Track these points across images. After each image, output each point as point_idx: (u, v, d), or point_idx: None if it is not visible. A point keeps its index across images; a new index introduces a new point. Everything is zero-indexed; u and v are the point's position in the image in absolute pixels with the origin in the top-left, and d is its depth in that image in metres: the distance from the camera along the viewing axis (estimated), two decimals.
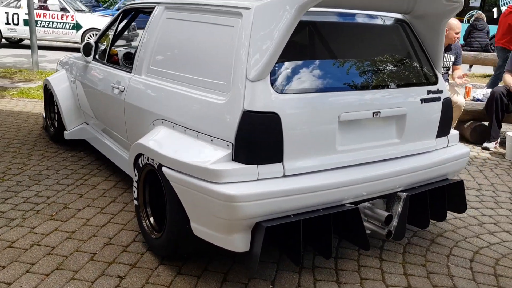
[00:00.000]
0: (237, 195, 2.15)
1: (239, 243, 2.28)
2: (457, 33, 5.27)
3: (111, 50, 4.17)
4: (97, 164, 4.22)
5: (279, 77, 2.34)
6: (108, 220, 3.14)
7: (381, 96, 2.64)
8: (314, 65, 2.50)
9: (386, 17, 2.91)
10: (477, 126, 5.64)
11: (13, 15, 12.93)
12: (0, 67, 9.55)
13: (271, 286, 2.51)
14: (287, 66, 2.40)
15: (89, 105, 4.11)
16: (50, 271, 2.53)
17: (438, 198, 2.96)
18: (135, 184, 2.87)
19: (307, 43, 2.59)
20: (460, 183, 3.00)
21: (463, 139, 5.67)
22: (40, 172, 3.95)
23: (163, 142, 2.62)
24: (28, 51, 9.42)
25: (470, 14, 16.42)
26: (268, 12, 2.29)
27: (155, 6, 3.24)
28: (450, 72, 5.58)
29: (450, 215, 3.50)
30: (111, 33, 4.34)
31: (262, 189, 2.22)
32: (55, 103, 4.63)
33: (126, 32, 4.16)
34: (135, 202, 2.88)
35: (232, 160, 2.29)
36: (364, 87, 2.60)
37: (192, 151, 2.42)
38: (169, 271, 2.58)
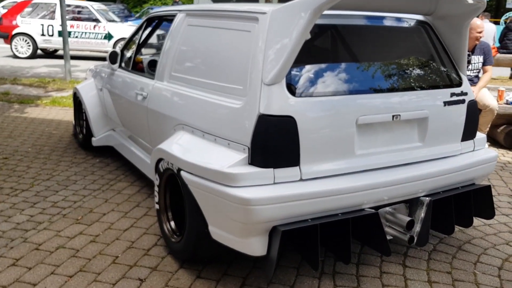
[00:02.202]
0: (253, 199, 2.15)
1: (256, 246, 2.27)
2: (479, 32, 5.11)
3: (136, 58, 4.27)
4: (123, 170, 4.30)
5: (295, 81, 2.34)
6: (131, 224, 3.19)
7: (401, 99, 2.60)
8: (331, 68, 2.48)
9: (407, 19, 2.87)
10: (511, 131, 5.46)
11: (48, 27, 13.39)
12: (34, 77, 9.88)
13: None
14: (303, 70, 2.39)
15: (115, 112, 4.20)
16: (73, 273, 2.59)
17: (464, 204, 2.87)
18: (156, 188, 2.91)
19: (324, 46, 2.58)
20: (487, 188, 2.90)
21: (496, 144, 5.50)
22: (68, 178, 4.05)
23: (182, 147, 2.65)
24: (62, 61, 9.72)
25: (506, 16, 15.99)
26: (284, 16, 2.29)
27: (177, 14, 3.30)
28: (481, 74, 5.42)
29: (479, 221, 3.39)
30: (137, 41, 4.43)
31: (278, 193, 2.21)
32: (83, 111, 4.76)
33: (152, 40, 4.23)
34: (156, 206, 2.92)
35: (249, 164, 2.29)
36: (383, 90, 2.56)
37: (209, 155, 2.43)
38: (188, 275, 2.60)
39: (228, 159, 2.31)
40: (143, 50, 4.27)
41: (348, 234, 2.37)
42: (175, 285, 2.50)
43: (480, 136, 3.06)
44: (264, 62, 2.30)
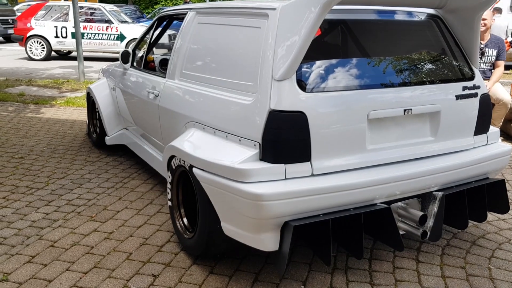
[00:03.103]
0: (264, 194, 2.16)
1: (268, 242, 2.28)
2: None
3: (148, 57, 4.31)
4: (136, 168, 4.34)
5: (306, 76, 2.34)
6: (145, 221, 3.22)
7: (413, 93, 2.58)
8: (341, 63, 2.48)
9: (418, 13, 2.85)
10: None
11: (61, 29, 13.55)
12: (49, 78, 10.01)
13: (302, 287, 2.49)
14: (314, 65, 2.39)
15: (128, 110, 4.24)
16: (88, 269, 2.63)
17: (477, 198, 2.85)
18: (168, 185, 2.94)
19: (334, 41, 2.58)
20: (501, 182, 2.87)
21: (509, 138, 5.43)
22: (82, 176, 4.11)
23: (194, 144, 2.67)
24: (76, 63, 9.82)
25: None
26: (293, 12, 2.29)
27: (187, 12, 3.32)
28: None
29: (493, 216, 3.36)
30: (148, 41, 4.47)
31: (290, 188, 2.22)
32: (96, 110, 4.81)
33: (163, 39, 4.28)
34: (169, 203, 2.95)
35: (260, 159, 2.30)
36: (394, 84, 2.55)
37: (220, 152, 2.45)
38: (201, 271, 2.62)
39: (240, 155, 2.32)
40: (155, 49, 4.30)
41: (360, 229, 2.36)
42: (189, 280, 2.53)
43: (493, 130, 3.03)
44: (274, 58, 2.31)
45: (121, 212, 3.38)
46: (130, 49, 4.26)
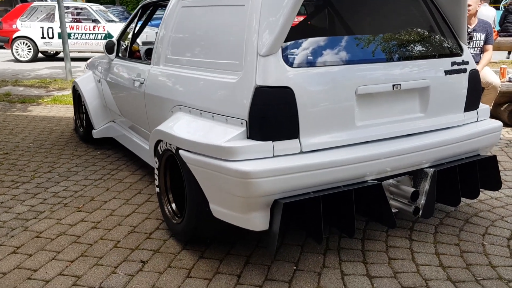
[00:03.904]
0: (252, 171, 2.11)
1: (257, 221, 2.23)
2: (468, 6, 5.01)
3: (133, 47, 4.23)
4: (124, 160, 4.27)
5: (292, 51, 2.29)
6: (133, 210, 3.16)
7: (401, 68, 2.54)
8: (329, 38, 2.43)
9: None
10: None
11: (48, 29, 13.40)
12: (36, 79, 9.89)
13: (294, 268, 2.45)
14: (300, 40, 2.34)
15: (114, 102, 4.17)
16: (75, 258, 2.56)
17: (469, 175, 2.82)
18: (156, 171, 2.87)
19: (321, 15, 2.53)
20: (493, 158, 2.84)
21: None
22: (69, 169, 4.03)
23: (180, 126, 2.61)
24: (63, 63, 9.71)
25: (506, 1, 15.85)
26: None
27: None
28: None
29: (485, 195, 3.34)
30: (133, 30, 4.39)
31: (278, 165, 2.17)
32: (83, 104, 4.73)
33: (147, 27, 4.20)
34: (157, 189, 2.89)
35: (247, 138, 2.25)
36: (383, 59, 2.51)
37: (207, 132, 2.39)
38: (191, 255, 2.56)
39: (226, 134, 2.27)
40: (139, 38, 4.23)
41: (351, 206, 2.32)
42: (178, 265, 2.47)
43: (484, 106, 3.00)
44: (259, 33, 2.26)
45: (109, 202, 3.31)
46: (114, 40, 4.19)
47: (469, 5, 5.03)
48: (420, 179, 2.63)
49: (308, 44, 2.36)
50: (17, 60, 13.28)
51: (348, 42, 2.47)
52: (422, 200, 2.59)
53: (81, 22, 13.35)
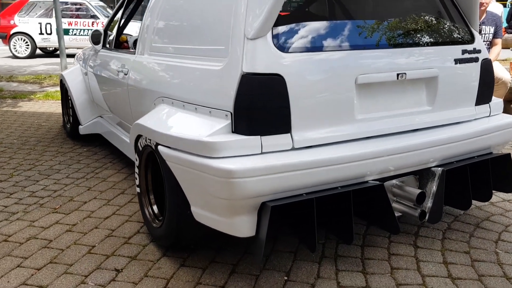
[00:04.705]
0: (236, 170, 1.85)
1: (242, 226, 1.97)
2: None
3: (121, 37, 3.99)
4: (110, 158, 4.02)
5: (283, 34, 2.03)
6: (114, 212, 2.91)
7: (407, 55, 2.28)
8: (326, 19, 2.18)
9: None
10: None
11: (46, 25, 13.18)
12: (32, 75, 9.66)
13: (285, 278, 2.19)
14: (293, 21, 2.08)
15: (100, 96, 3.92)
16: (42, 265, 2.31)
17: (481, 175, 2.55)
18: (136, 169, 2.62)
19: None
20: (507, 156, 2.58)
21: None
22: (51, 167, 3.78)
23: (160, 120, 2.36)
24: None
25: None
26: None
27: None
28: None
29: (497, 197, 3.07)
30: (119, 19, 4.15)
31: (267, 163, 1.91)
32: (69, 98, 4.49)
33: (134, 17, 3.93)
34: (137, 189, 2.63)
35: (232, 132, 1.99)
36: (386, 45, 2.25)
37: (188, 126, 2.14)
38: (171, 263, 2.31)
39: (209, 127, 2.01)
40: (126, 28, 3.98)
41: (350, 210, 2.06)
42: (156, 275, 2.21)
43: (497, 100, 2.73)
44: (247, 14, 2.00)
45: (88, 203, 3.06)
46: (101, 29, 3.95)
47: (485, 3, 4.77)
48: (426, 180, 2.37)
49: (303, 27, 2.10)
50: (15, 57, 13.06)
51: (348, 26, 2.21)
52: (428, 203, 2.33)
53: (80, 18, 13.11)
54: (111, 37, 3.99)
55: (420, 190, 2.23)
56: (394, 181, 2.33)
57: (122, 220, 2.79)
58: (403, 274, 2.21)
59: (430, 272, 2.23)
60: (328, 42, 2.10)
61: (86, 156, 4.09)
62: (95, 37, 3.89)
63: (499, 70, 4.94)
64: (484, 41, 4.97)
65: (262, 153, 1.97)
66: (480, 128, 2.51)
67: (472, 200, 2.52)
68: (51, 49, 13.94)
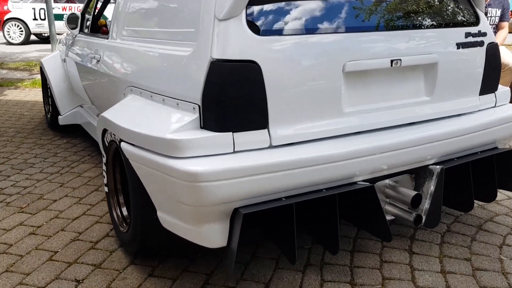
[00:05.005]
0: (202, 172, 1.60)
1: (212, 236, 1.73)
2: None
3: (100, 21, 3.72)
4: (90, 150, 3.78)
5: (260, 14, 1.76)
6: (84, 212, 2.67)
7: (402, 39, 2.01)
8: None
9: None
10: None
11: (39, 11, 12.87)
12: (23, 61, 9.39)
13: None
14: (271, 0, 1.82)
15: (78, 84, 3.67)
16: None
17: (485, 172, 2.31)
18: (104, 167, 2.38)
19: None
20: None
21: None
22: (26, 161, 3.55)
23: (125, 113, 2.11)
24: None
25: None
26: None
27: None
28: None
29: (503, 194, 2.83)
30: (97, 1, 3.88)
31: (239, 164, 1.66)
32: (48, 87, 4.24)
33: None
34: (105, 189, 2.40)
35: (201, 128, 1.74)
36: (379, 27, 1.98)
37: (153, 120, 1.89)
38: (139, 273, 2.08)
39: (174, 122, 1.76)
40: (104, 11, 3.71)
41: (335, 216, 1.82)
42: (120, 286, 1.98)
43: (503, 88, 2.47)
44: None
45: (58, 201, 2.82)
46: (78, 13, 3.68)
47: None
48: (423, 179, 2.12)
49: (282, 6, 1.83)
50: (8, 43, 12.79)
51: (334, 6, 1.94)
52: (426, 205, 2.09)
53: (75, 3, 12.80)
54: (90, 21, 3.73)
55: (415, 192, 1.98)
56: (387, 181, 2.08)
57: (91, 222, 2.55)
58: (396, 286, 1.98)
59: (426, 283, 1.99)
60: (311, 24, 1.83)
61: (64, 148, 3.85)
62: (72, 21, 3.63)
63: (506, 56, 4.65)
64: (490, 24, 4.68)
65: (234, 152, 1.72)
66: (485, 121, 2.25)
67: (475, 201, 2.28)
68: (46, 35, 13.61)
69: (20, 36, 12.96)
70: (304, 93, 1.80)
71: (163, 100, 1.95)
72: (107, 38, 2.85)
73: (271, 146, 1.78)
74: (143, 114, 1.99)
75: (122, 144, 1.96)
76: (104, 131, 2.29)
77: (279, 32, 1.77)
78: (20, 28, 12.92)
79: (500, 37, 4.67)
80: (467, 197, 2.23)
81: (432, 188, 2.09)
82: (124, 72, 2.40)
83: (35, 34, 13.38)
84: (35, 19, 12.96)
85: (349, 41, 1.88)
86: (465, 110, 2.27)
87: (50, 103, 4.29)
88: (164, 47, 2.06)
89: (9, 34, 12.86)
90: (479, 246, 2.28)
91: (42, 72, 4.48)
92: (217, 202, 1.65)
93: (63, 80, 4.10)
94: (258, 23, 1.75)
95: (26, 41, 12.95)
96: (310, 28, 1.82)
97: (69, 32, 3.82)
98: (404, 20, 2.06)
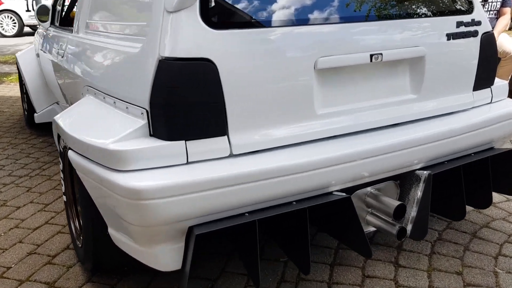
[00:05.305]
0: (146, 189, 1.39)
1: (164, 258, 1.54)
2: None
3: (72, 12, 3.50)
4: None
5: (216, 5, 1.54)
6: (47, 221, 2.48)
7: (384, 30, 1.79)
8: None
9: None
10: None
11: (32, 2, 12.63)
12: (14, 54, 9.19)
13: None
14: None
15: (52, 79, 3.46)
16: None
17: (478, 176, 2.09)
18: (61, 174, 2.18)
19: None
20: (511, 153, 2.10)
21: None
22: None
23: (75, 117, 1.90)
24: None
25: None
26: None
27: None
28: None
29: (501, 196, 2.61)
30: None
31: (192, 177, 1.45)
32: (23, 83, 4.04)
33: None
34: (64, 198, 2.20)
35: (150, 135, 1.53)
36: (356, 18, 1.75)
37: (99, 126, 1.68)
38: None
39: (119, 130, 1.56)
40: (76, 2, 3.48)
41: (305, 232, 1.61)
42: None
43: (500, 83, 2.24)
44: None
45: (22, 208, 2.63)
46: (49, 4, 3.47)
47: None
48: (410, 186, 1.91)
49: None
50: (2, 36, 12.57)
51: None
52: (412, 213, 1.89)
53: None
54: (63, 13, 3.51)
55: (399, 202, 1.77)
56: (368, 189, 1.87)
57: (52, 232, 2.36)
58: None
59: None
60: (277, 15, 1.61)
61: (39, 148, 3.66)
62: (42, 13, 3.42)
63: (507, 43, 4.40)
64: (490, 10, 4.43)
65: (188, 163, 1.51)
66: (480, 119, 2.03)
67: (469, 206, 2.07)
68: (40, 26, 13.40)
69: (13, 28, 12.74)
70: (270, 94, 1.59)
71: (114, 102, 1.74)
72: (72, 32, 2.64)
73: (231, 155, 1.57)
74: (93, 119, 1.78)
75: (69, 152, 1.76)
76: (59, 136, 2.09)
77: (239, 25, 1.54)
78: (13, 20, 12.70)
79: (502, 24, 4.42)
80: (458, 204, 2.01)
81: (418, 195, 1.88)
82: (82, 70, 2.19)
83: (29, 26, 13.14)
84: (28, 10, 12.71)
85: (321, 34, 1.65)
86: (457, 108, 2.05)
87: (26, 100, 4.09)
88: (118, 42, 1.84)
89: (2, 27, 12.64)
90: (472, 257, 2.07)
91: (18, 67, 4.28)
92: (166, 221, 1.44)
93: (38, 76, 3.89)
94: (215, 15, 1.53)
95: (20, 33, 12.73)
96: (275, 20, 1.60)
97: (39, 25, 3.60)
98: (385, 8, 1.83)
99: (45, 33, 3.48)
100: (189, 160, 1.51)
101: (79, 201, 1.81)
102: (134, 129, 1.51)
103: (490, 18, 4.46)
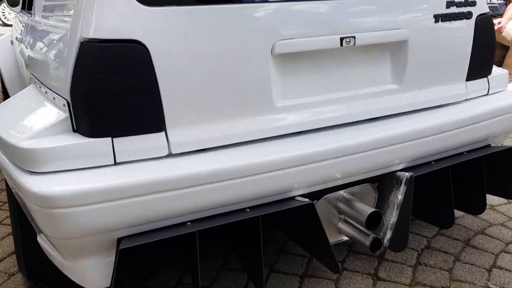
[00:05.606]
0: (57, 195, 1.17)
1: (89, 274, 1.32)
2: None
3: None
4: None
5: None
6: (0, 221, 2.29)
7: (358, 9, 1.54)
8: None
9: None
10: None
11: None
12: None
13: None
14: None
15: (23, 70, 3.26)
16: None
17: (471, 178, 1.84)
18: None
19: None
20: (509, 151, 1.85)
21: None
22: None
23: (8, 109, 1.68)
24: None
25: None
26: None
27: None
28: None
29: (499, 199, 2.35)
30: None
31: (118, 180, 1.22)
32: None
33: None
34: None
35: (74, 131, 1.31)
36: None
37: (25, 120, 1.46)
38: None
39: (38, 124, 1.33)
40: None
41: (258, 243, 1.38)
42: None
43: (499, 72, 1.98)
44: None
45: None
46: None
47: None
48: (389, 189, 1.67)
49: None
50: (4, 24, 12.44)
51: None
52: (392, 220, 1.65)
53: None
54: None
55: (373, 209, 1.53)
56: (341, 192, 1.63)
57: (3, 234, 2.17)
58: None
59: None
60: None
61: None
62: None
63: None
64: None
65: (115, 163, 1.29)
66: (473, 113, 1.78)
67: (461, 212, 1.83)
68: None
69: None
70: (217, 83, 1.35)
71: (46, 93, 1.52)
72: (31, 16, 2.43)
73: (170, 155, 1.34)
74: (22, 112, 1.56)
75: None
76: None
77: (177, 1, 1.30)
78: None
79: (511, 10, 4.13)
80: (446, 210, 1.77)
81: (399, 200, 1.64)
82: (28, 56, 1.98)
83: None
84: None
85: (280, 12, 1.41)
86: (447, 100, 1.79)
87: (2, 90, 3.89)
88: (57, 24, 1.62)
89: (3, 14, 12.50)
90: (462, 269, 1.83)
91: None
92: (85, 233, 1.22)
93: (14, 64, 3.69)
94: None
95: None
96: None
97: (11, 9, 3.39)
98: None
99: (15, 20, 3.27)
100: (117, 161, 1.28)
101: (9, 204, 1.60)
102: (53, 124, 1.29)
103: (499, 3, 4.19)
